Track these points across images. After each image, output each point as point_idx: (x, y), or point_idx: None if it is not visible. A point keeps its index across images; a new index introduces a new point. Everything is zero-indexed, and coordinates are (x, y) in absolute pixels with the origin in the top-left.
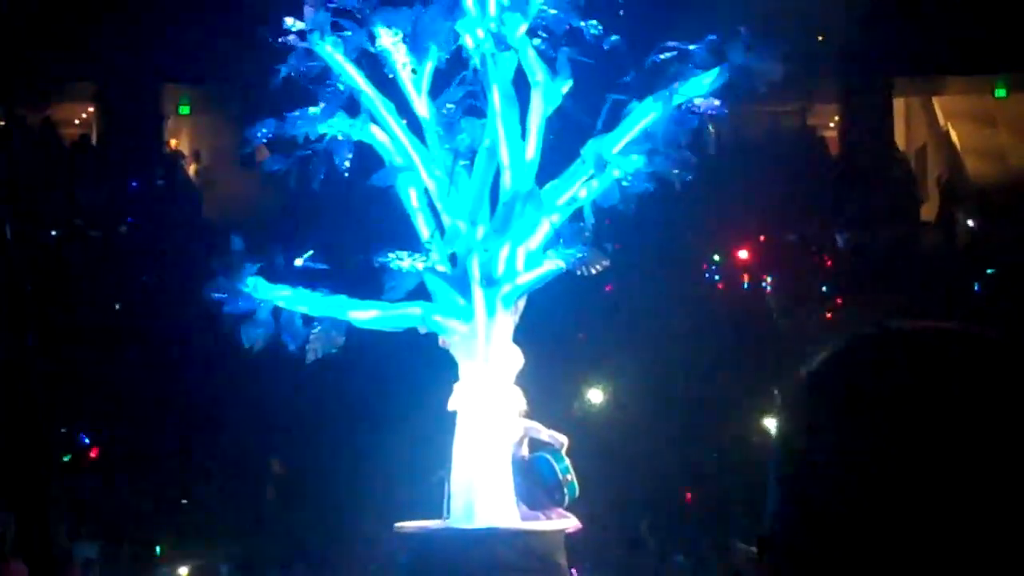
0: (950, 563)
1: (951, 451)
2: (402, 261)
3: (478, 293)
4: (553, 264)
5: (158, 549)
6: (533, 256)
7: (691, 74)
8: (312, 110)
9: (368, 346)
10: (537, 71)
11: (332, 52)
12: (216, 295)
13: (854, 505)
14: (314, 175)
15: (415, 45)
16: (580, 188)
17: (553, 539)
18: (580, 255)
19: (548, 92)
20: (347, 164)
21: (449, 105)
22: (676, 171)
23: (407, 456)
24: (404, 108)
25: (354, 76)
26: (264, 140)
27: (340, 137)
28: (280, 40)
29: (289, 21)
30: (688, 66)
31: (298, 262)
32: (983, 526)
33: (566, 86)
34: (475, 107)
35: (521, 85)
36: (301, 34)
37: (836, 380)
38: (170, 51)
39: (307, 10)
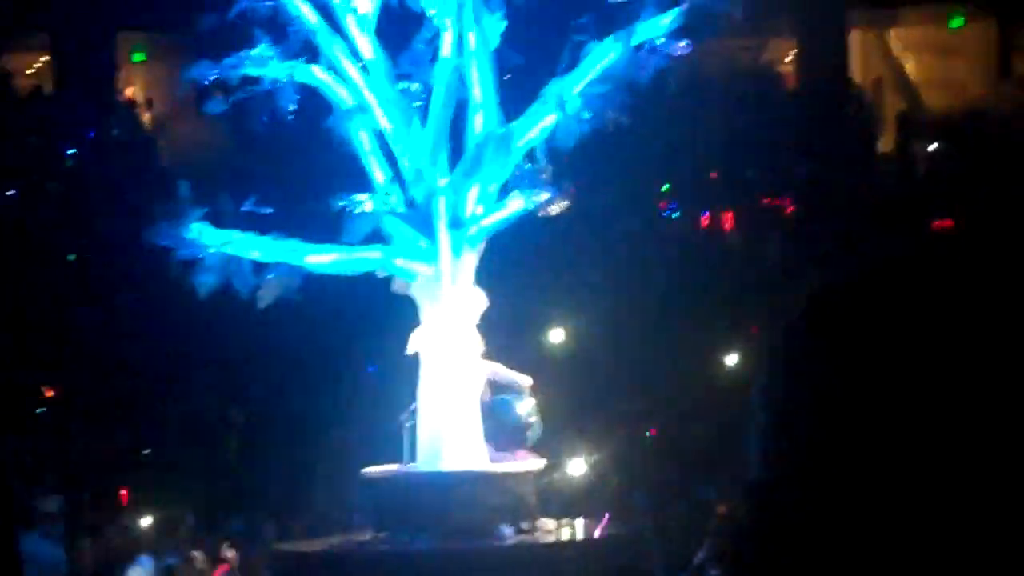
0: (935, 497)
1: (938, 383)
2: (362, 204)
3: (444, 235)
4: (517, 205)
5: (121, 501)
6: (489, 197)
7: (650, 15)
8: (251, 52)
9: (320, 292)
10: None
11: None
12: (160, 241)
13: (837, 447)
14: (254, 117)
15: None
16: (538, 129)
17: (527, 479)
18: (545, 195)
19: (490, 29)
20: (291, 107)
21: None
22: (614, 113)
23: (364, 401)
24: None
25: (307, 15)
26: (202, 82)
27: (282, 79)
28: None
29: None
30: (647, 6)
31: (244, 207)
32: (963, 462)
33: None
34: (419, 49)
35: None
36: None
37: (812, 328)
38: None
39: None
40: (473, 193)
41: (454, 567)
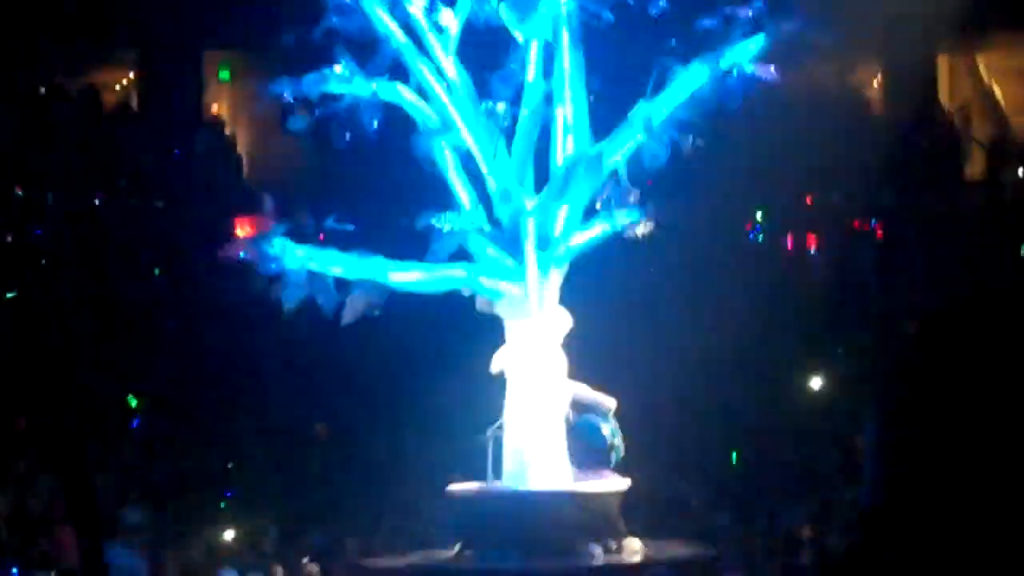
0: None
1: None
2: (448, 223)
3: (531, 254)
4: (605, 226)
5: (204, 513)
6: (576, 219)
7: (737, 40)
8: (332, 70)
9: (404, 309)
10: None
11: (375, 7)
12: (243, 256)
13: (954, 474)
14: (337, 135)
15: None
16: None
17: (613, 500)
18: (633, 218)
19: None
20: (374, 125)
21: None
22: (699, 138)
23: (447, 420)
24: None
25: (395, 32)
26: (284, 98)
27: (366, 97)
28: None
29: None
30: (735, 31)
31: (326, 224)
32: None
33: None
34: (506, 71)
35: None
36: None
37: (928, 351)
38: (211, 16)
39: None
40: (561, 213)
41: None
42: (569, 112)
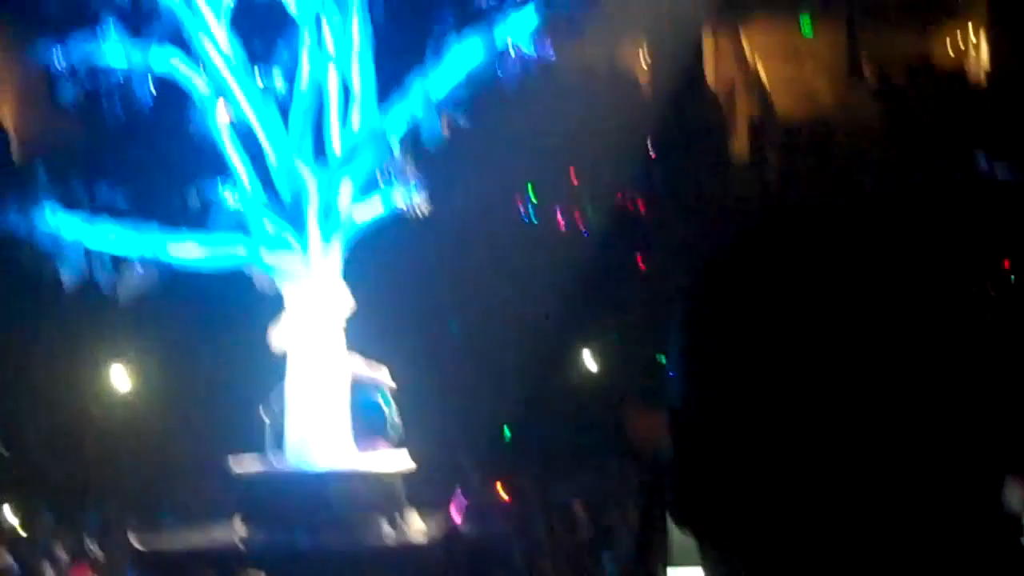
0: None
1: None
2: (229, 195)
3: (314, 227)
4: (385, 201)
5: None
6: (357, 193)
7: (509, 13)
8: (101, 35)
9: (178, 284)
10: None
11: None
12: (15, 229)
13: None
14: (110, 108)
15: None
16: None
17: (397, 476)
18: (413, 193)
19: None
20: (148, 97)
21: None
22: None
23: (226, 394)
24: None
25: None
26: (51, 68)
27: (138, 68)
28: None
29: None
30: (507, 5)
31: (98, 195)
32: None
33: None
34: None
35: None
36: None
37: (718, 280)
38: None
39: None
40: (344, 187)
41: (338, 565)
42: (357, 85)
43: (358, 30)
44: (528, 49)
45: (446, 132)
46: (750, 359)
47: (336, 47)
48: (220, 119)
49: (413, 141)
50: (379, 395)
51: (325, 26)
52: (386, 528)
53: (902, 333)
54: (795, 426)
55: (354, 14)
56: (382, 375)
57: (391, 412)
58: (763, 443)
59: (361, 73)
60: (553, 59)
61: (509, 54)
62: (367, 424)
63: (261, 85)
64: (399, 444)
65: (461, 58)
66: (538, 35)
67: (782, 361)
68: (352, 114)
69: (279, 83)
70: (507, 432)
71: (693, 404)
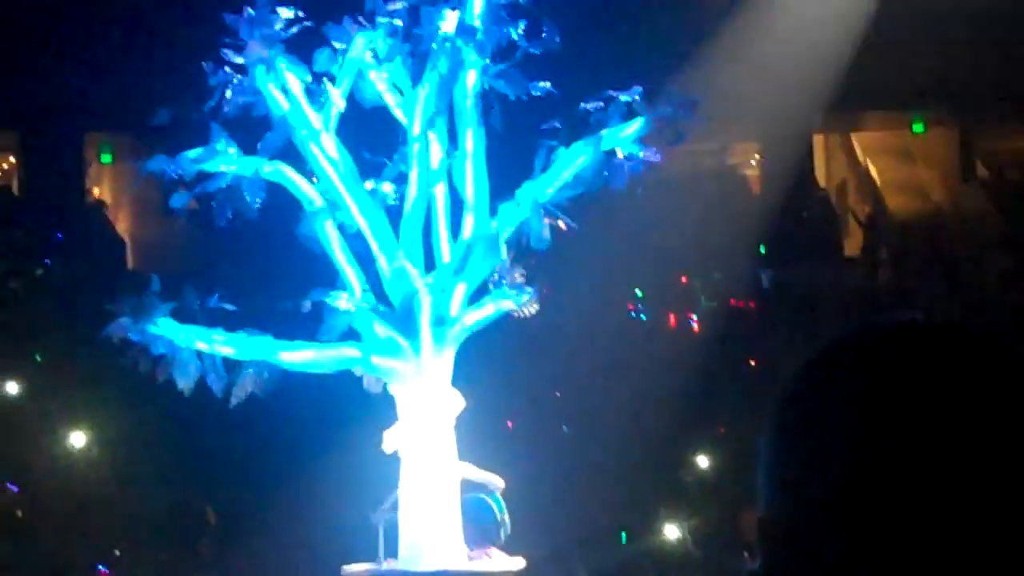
0: (937, 560)
1: (933, 451)
2: (341, 301)
3: (427, 332)
4: (499, 305)
5: None
6: (468, 298)
7: (615, 123)
8: (212, 148)
9: (289, 388)
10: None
11: (267, 83)
12: (129, 335)
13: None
14: (219, 215)
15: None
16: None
17: None
18: (527, 296)
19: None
20: (258, 203)
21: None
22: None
23: (338, 499)
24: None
25: (283, 106)
26: (163, 178)
27: (248, 176)
28: (215, 77)
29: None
30: (614, 115)
31: (210, 303)
32: (969, 524)
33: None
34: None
35: None
36: (241, 68)
37: (808, 388)
38: (91, 98)
39: (251, 44)
40: (458, 292)
41: None
42: (470, 191)
43: (472, 137)
44: (636, 153)
45: (554, 236)
46: (842, 470)
47: (450, 154)
48: (330, 228)
49: (522, 246)
50: (491, 498)
51: (433, 136)
52: None
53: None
54: (885, 547)
55: (468, 121)
56: (493, 478)
57: (502, 515)
58: (849, 559)
59: (475, 179)
60: (661, 162)
61: (617, 158)
62: (478, 528)
63: (371, 193)
64: (507, 547)
65: (569, 163)
66: (646, 140)
67: (876, 477)
68: (465, 220)
69: (388, 190)
70: (624, 537)
71: (778, 511)
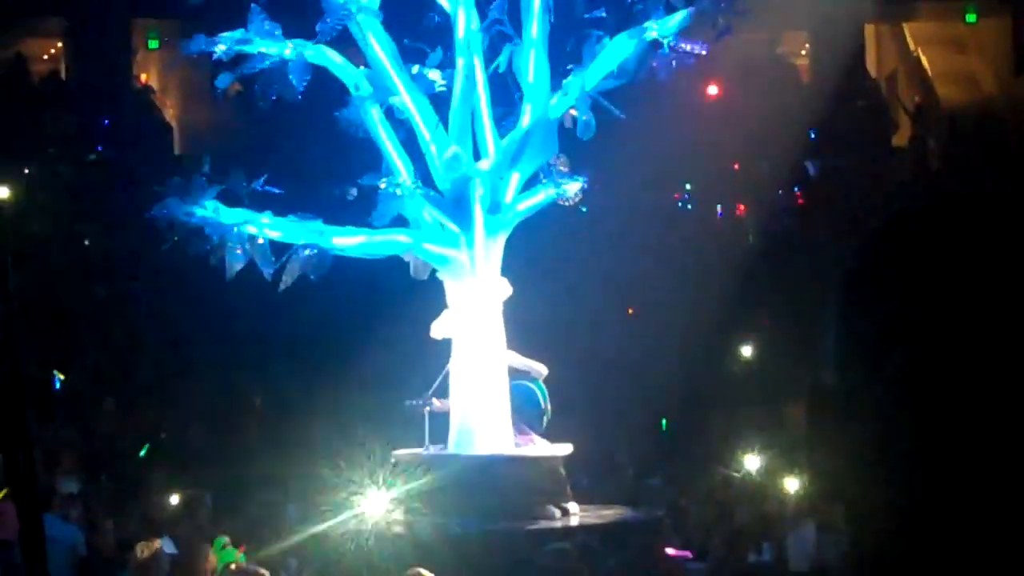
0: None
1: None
2: (395, 186)
3: (480, 219)
4: (549, 192)
5: (140, 483)
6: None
7: (660, 15)
8: (253, 30)
9: (333, 275)
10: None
11: None
12: (176, 216)
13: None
14: (263, 96)
15: None
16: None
17: (560, 463)
18: (576, 185)
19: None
20: (301, 86)
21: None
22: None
23: (384, 383)
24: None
25: None
26: (209, 59)
27: (292, 58)
28: None
29: None
30: (657, 8)
31: (257, 186)
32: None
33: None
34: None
35: None
36: None
37: (875, 255)
38: None
39: None
40: (513, 179)
41: (508, 548)
42: (531, 76)
43: (537, 24)
44: (683, 45)
45: (602, 126)
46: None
47: (514, 42)
48: (375, 114)
49: (571, 136)
50: (534, 385)
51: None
52: (557, 514)
53: None
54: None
55: (534, 9)
56: (537, 365)
57: (545, 403)
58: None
59: (536, 68)
60: (706, 54)
61: (664, 49)
62: (521, 414)
63: (416, 78)
64: (553, 434)
65: (616, 54)
66: (693, 33)
67: (946, 342)
68: (524, 108)
69: (436, 77)
70: (664, 424)
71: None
